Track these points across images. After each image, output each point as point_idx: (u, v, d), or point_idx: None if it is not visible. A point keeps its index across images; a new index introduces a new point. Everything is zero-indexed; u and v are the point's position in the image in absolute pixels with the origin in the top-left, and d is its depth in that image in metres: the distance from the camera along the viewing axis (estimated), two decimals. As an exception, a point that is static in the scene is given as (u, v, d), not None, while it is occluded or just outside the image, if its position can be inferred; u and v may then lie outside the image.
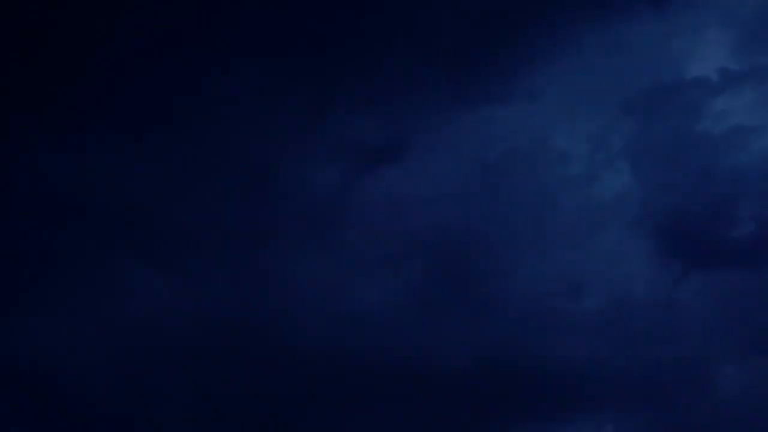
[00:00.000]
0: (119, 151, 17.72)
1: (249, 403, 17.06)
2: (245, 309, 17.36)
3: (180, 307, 17.38)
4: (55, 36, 17.56)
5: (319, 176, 18.14)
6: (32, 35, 17.56)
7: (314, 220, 17.91)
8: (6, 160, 17.64)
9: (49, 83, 17.53)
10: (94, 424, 16.99)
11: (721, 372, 17.09)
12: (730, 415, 16.73)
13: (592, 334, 17.28)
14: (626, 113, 18.47)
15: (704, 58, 18.53)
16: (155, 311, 17.35)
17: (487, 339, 17.23)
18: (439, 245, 17.82)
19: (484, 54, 18.44)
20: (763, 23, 18.51)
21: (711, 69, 18.42)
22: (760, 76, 18.30)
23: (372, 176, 18.09)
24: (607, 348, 17.21)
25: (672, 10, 18.39)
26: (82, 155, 17.71)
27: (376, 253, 17.74)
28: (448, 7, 18.20)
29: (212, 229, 17.76)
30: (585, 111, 18.55)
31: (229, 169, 18.00)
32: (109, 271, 17.47)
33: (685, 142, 18.24)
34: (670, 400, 16.89)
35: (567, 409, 16.99)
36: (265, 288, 17.52)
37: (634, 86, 18.45)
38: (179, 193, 17.75)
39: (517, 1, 18.21)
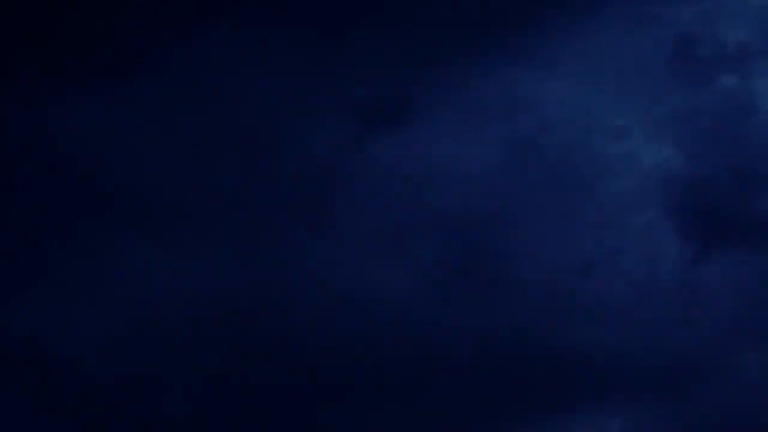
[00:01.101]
0: (115, 117, 17.18)
1: (254, 387, 16.58)
2: (252, 291, 16.82)
3: (182, 288, 16.87)
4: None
5: (327, 142, 17.43)
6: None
7: (321, 193, 17.24)
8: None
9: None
10: (94, 406, 16.56)
11: (744, 361, 16.21)
12: (750, 407, 15.88)
13: (610, 319, 16.53)
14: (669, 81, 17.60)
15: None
16: (155, 291, 16.84)
17: (501, 323, 16.53)
18: (457, 223, 17.10)
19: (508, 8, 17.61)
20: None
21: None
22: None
23: (382, 144, 17.32)
24: (624, 334, 16.47)
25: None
26: (74, 120, 17.20)
27: (388, 231, 17.05)
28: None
29: (215, 204, 17.19)
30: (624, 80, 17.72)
31: (230, 138, 17.34)
32: (105, 247, 16.96)
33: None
34: (686, 390, 16.11)
35: (578, 398, 16.28)
36: (269, 269, 16.92)
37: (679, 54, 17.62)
38: (179, 165, 17.14)
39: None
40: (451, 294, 16.69)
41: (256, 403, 16.41)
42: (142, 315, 16.79)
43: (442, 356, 16.50)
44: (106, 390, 16.57)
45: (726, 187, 16.98)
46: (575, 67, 17.81)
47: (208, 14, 17.49)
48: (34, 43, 17.48)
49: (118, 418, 16.46)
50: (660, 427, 16.07)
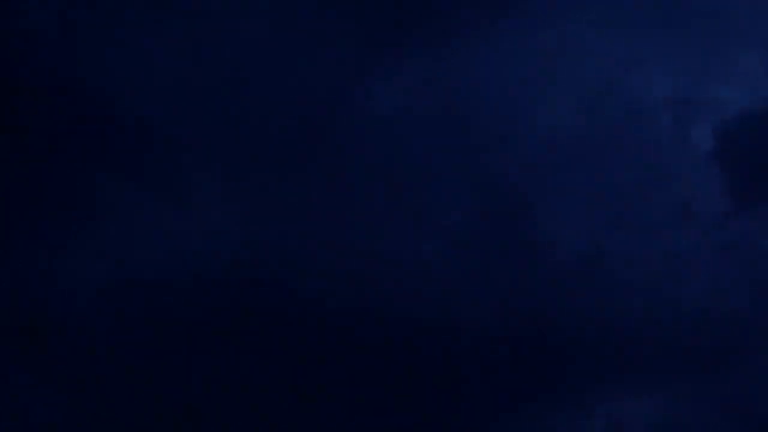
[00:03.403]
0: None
1: (266, 350, 15.57)
2: (265, 247, 15.83)
3: (185, 244, 15.86)
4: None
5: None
6: None
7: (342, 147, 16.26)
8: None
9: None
10: (100, 366, 15.58)
11: None
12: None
13: (641, 287, 15.63)
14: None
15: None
16: (154, 245, 15.84)
17: (529, 287, 15.61)
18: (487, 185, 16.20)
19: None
20: None
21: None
22: None
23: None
24: (659, 302, 15.56)
25: None
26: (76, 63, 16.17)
27: (414, 191, 16.13)
28: None
29: (220, 154, 16.17)
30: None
31: (233, 86, 16.34)
32: (102, 197, 15.91)
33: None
34: (727, 363, 15.23)
35: (609, 371, 15.35)
36: (284, 226, 15.91)
37: None
38: (180, 113, 16.14)
39: None
40: (478, 257, 15.78)
41: (258, 364, 15.51)
42: (138, 270, 15.80)
43: (463, 321, 15.59)
44: (99, 344, 15.61)
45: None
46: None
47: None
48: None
49: (110, 372, 15.54)
50: (700, 404, 15.27)
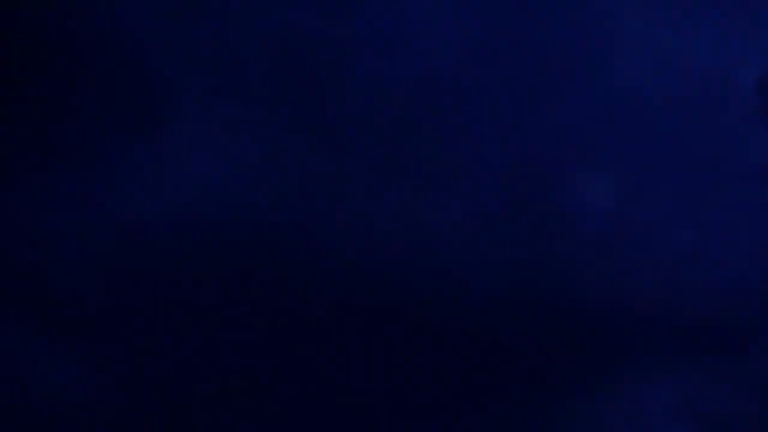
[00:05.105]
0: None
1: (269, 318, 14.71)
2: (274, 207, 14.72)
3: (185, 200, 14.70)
4: None
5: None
6: None
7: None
8: None
9: None
10: (87, 327, 14.69)
11: None
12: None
13: (668, 259, 14.71)
14: None
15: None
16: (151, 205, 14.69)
17: (548, 263, 14.68)
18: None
19: None
20: None
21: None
22: None
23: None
24: (672, 280, 14.70)
25: None
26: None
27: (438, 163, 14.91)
28: None
29: (221, 103, 14.85)
30: None
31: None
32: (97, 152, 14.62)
33: None
34: (745, 346, 14.56)
35: (627, 352, 14.63)
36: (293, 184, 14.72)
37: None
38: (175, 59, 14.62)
39: None
40: (499, 229, 14.73)
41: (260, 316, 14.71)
42: (134, 227, 14.75)
43: (483, 291, 14.72)
44: (97, 308, 14.69)
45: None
46: None
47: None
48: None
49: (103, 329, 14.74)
50: (717, 387, 14.69)
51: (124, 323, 14.68)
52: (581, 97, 15.12)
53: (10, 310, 14.70)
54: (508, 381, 14.53)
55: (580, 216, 14.77)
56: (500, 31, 15.19)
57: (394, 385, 14.54)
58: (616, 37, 15.21)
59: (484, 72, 15.08)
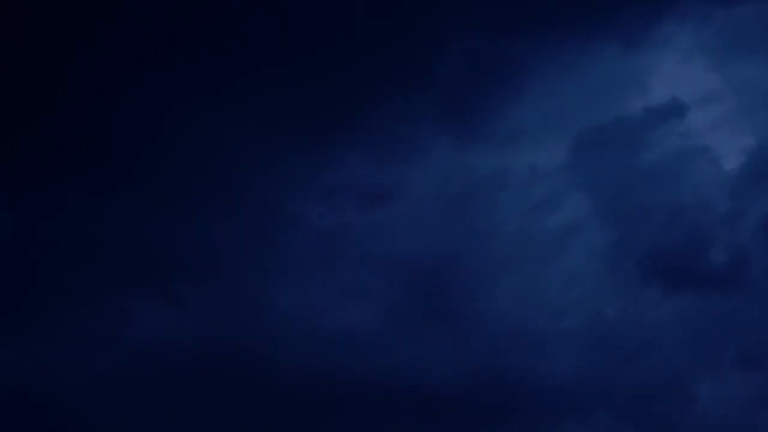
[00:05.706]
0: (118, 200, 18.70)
1: (245, 421, 18.03)
2: (242, 334, 18.33)
3: (179, 333, 18.31)
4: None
5: (316, 212, 19.15)
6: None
7: (309, 252, 18.98)
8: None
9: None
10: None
11: (701, 388, 18.16)
12: (709, 428, 18.07)
13: (572, 354, 18.41)
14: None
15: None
16: (156, 337, 18.24)
17: (469, 357, 18.29)
18: (420, 271, 18.90)
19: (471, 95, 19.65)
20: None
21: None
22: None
23: (363, 213, 19.16)
24: (588, 367, 18.28)
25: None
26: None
27: (364, 280, 18.73)
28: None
29: (212, 259, 18.67)
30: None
31: (231, 203, 18.88)
32: (111, 299, 18.26)
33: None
34: (650, 416, 18.04)
35: (547, 427, 18.07)
36: (261, 314, 18.46)
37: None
38: (181, 227, 18.60)
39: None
40: (414, 331, 18.37)
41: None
42: (139, 356, 18.12)
43: (413, 386, 18.08)
44: (106, 427, 17.86)
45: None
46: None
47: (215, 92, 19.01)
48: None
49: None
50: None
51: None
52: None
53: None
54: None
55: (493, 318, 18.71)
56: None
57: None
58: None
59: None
